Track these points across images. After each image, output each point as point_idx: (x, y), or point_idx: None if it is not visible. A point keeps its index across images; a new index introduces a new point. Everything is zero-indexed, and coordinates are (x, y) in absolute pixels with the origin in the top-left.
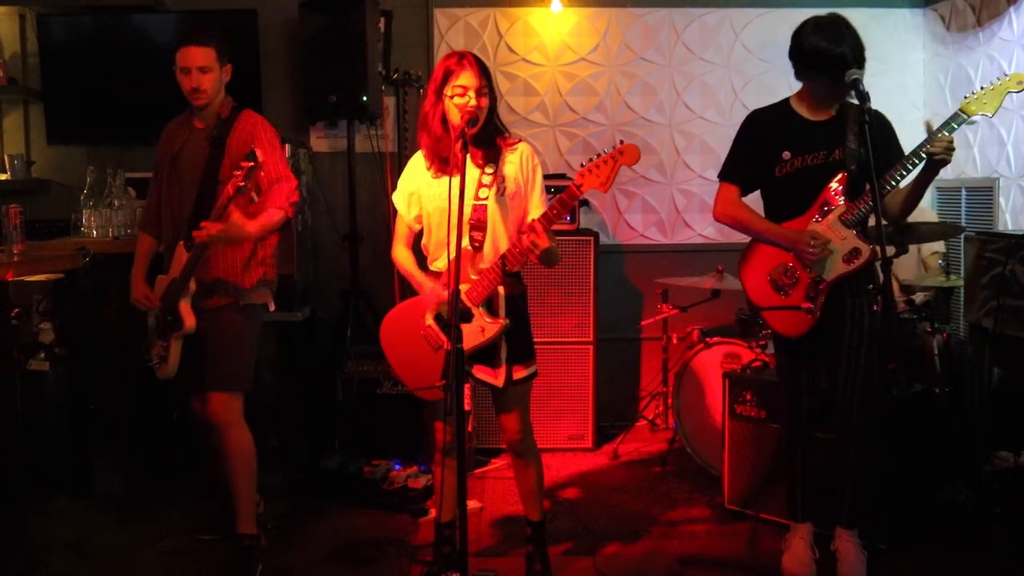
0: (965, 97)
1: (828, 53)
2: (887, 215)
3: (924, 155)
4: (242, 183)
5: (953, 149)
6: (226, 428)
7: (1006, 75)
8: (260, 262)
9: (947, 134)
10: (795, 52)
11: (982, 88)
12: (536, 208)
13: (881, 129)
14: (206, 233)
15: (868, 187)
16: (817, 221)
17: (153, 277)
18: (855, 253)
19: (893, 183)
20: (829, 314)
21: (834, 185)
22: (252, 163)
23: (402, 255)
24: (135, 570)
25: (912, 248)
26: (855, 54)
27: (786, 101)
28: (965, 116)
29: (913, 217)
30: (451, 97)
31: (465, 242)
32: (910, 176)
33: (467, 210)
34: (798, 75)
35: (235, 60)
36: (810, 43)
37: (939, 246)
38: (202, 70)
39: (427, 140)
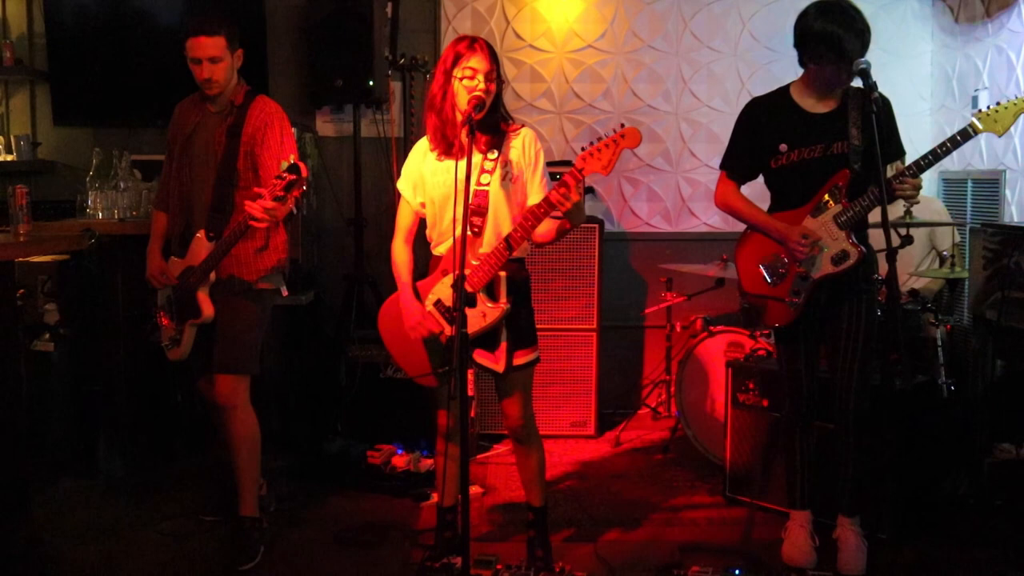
0: (977, 112)
1: (839, 36)
2: None
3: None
4: (281, 193)
5: (920, 189)
6: (232, 411)
7: (1021, 96)
8: (273, 249)
9: (920, 177)
10: (802, 37)
11: (997, 104)
12: (536, 193)
13: (886, 118)
14: (267, 217)
15: (871, 185)
16: (812, 217)
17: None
18: (844, 255)
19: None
20: (827, 304)
21: (837, 183)
22: (295, 176)
23: (400, 256)
24: (138, 551)
25: (925, 240)
26: (866, 36)
27: (786, 89)
28: (972, 133)
29: (919, 209)
30: (460, 79)
31: None
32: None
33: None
34: (804, 61)
35: (242, 43)
36: (819, 26)
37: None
38: (213, 60)
39: (435, 121)
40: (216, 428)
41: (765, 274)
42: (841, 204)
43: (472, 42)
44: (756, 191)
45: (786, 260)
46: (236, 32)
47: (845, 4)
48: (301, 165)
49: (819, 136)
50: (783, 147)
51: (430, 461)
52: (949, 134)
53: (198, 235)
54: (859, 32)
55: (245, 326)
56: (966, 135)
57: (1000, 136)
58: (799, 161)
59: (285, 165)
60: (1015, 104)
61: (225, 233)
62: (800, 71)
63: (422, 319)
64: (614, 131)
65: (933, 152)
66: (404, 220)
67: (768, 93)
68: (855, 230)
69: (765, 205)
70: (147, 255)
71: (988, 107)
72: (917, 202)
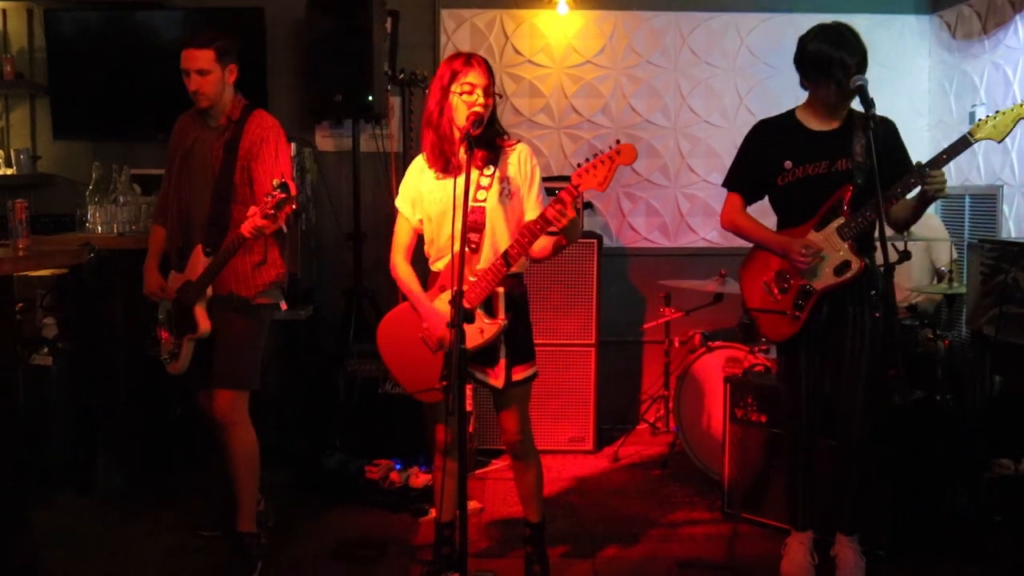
0: (978, 121)
1: (829, 57)
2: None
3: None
4: (271, 211)
5: (945, 183)
6: (231, 426)
7: (1019, 102)
8: (272, 264)
9: (941, 171)
10: (798, 57)
11: (995, 113)
12: (533, 209)
13: (887, 137)
14: (258, 230)
15: (870, 200)
16: (815, 231)
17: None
18: (845, 266)
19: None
20: (829, 319)
21: (840, 198)
22: (284, 195)
23: (404, 271)
24: (136, 566)
25: (923, 255)
26: (857, 60)
27: (792, 112)
28: (971, 141)
29: (918, 224)
30: (459, 94)
31: None
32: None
33: None
34: (802, 82)
35: (241, 59)
36: (812, 47)
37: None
38: (201, 73)
39: (432, 139)
40: (215, 443)
41: (768, 288)
42: (843, 216)
43: (468, 58)
44: (759, 216)
45: (788, 275)
46: (231, 47)
47: (843, 27)
48: (291, 184)
49: (823, 153)
50: (788, 164)
51: (428, 476)
52: (945, 147)
53: (196, 249)
54: (850, 54)
55: (244, 341)
56: (965, 143)
57: (999, 142)
58: (804, 178)
59: (276, 183)
60: (1012, 111)
61: (221, 248)
62: (800, 90)
63: (442, 326)
64: (610, 147)
65: (933, 161)
66: (402, 237)
67: (775, 116)
68: (859, 244)
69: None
70: (144, 270)
71: (987, 116)
72: (943, 192)
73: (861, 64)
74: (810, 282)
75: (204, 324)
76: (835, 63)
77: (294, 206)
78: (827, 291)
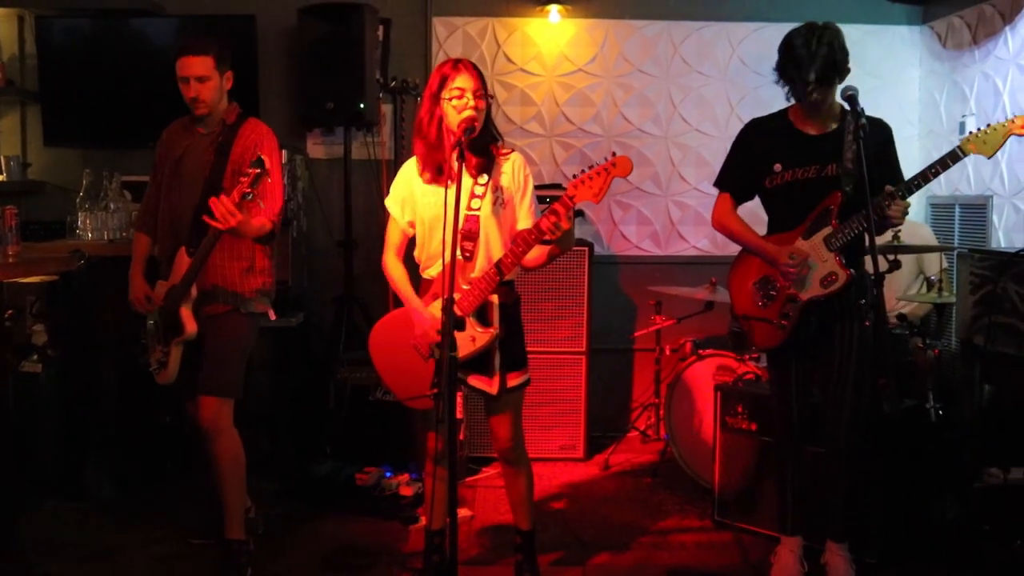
0: (969, 134)
1: (789, 53)
2: None
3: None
4: (248, 189)
5: (907, 212)
6: (216, 434)
7: (1010, 118)
8: (260, 272)
9: (905, 202)
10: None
11: (987, 127)
12: (525, 218)
13: (880, 143)
14: (227, 216)
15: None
16: (803, 239)
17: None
18: (832, 277)
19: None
20: (819, 328)
21: (828, 206)
22: (259, 170)
23: (395, 270)
24: (126, 573)
25: (912, 265)
26: (817, 72)
27: (784, 112)
28: (962, 154)
29: (909, 233)
30: (449, 100)
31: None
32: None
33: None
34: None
35: (234, 66)
36: (787, 38)
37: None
38: (200, 80)
39: (421, 146)
40: (202, 451)
41: (756, 295)
42: (831, 226)
43: (456, 63)
44: (751, 218)
45: (776, 282)
46: (227, 53)
47: (824, 32)
48: (265, 158)
49: (813, 157)
50: (777, 167)
51: (418, 484)
52: (936, 159)
53: (179, 252)
54: (809, 59)
55: (231, 349)
56: (955, 157)
57: (989, 158)
58: (793, 181)
59: (251, 161)
60: (1004, 126)
61: (200, 244)
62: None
63: (431, 328)
64: (605, 159)
65: (923, 174)
66: (393, 238)
67: (766, 115)
68: (847, 253)
69: (760, 230)
70: (130, 279)
71: (978, 129)
72: (901, 223)
73: (824, 74)
74: (796, 292)
75: (190, 326)
76: (791, 63)
77: (269, 179)
78: (813, 301)
